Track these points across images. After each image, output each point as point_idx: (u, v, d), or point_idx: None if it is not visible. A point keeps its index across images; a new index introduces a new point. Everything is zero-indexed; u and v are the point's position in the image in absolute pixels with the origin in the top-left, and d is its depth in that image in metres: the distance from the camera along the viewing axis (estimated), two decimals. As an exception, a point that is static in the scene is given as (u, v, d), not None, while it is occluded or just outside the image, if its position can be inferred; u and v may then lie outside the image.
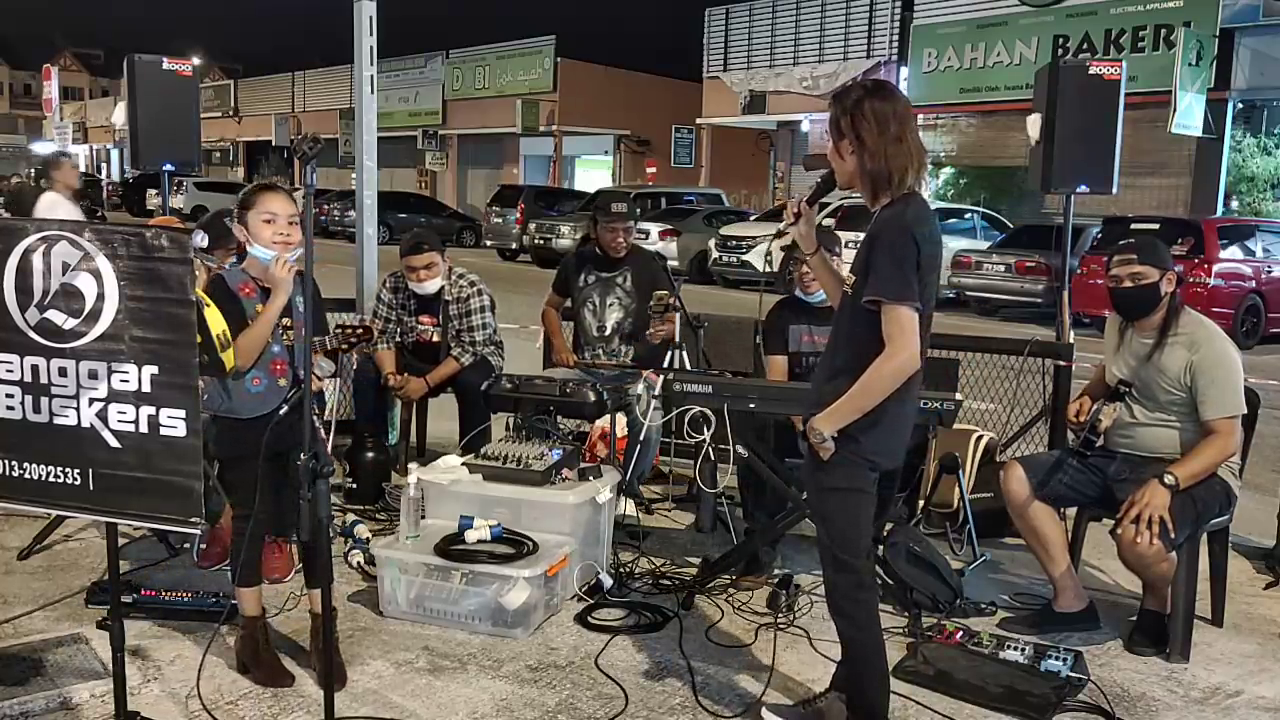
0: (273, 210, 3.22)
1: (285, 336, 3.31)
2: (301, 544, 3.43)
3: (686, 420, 4.37)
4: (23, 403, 2.52)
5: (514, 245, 23.19)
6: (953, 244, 16.08)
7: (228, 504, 4.21)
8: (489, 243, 24.35)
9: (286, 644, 3.51)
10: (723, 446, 4.21)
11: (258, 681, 3.25)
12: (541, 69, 32.57)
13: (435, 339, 5.35)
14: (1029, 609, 4.00)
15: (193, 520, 2.49)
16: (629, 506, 4.65)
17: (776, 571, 4.23)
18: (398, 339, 5.42)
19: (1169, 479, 3.49)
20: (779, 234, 3.05)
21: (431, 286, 5.26)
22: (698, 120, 28.19)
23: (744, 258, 17.40)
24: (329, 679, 2.86)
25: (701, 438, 4.30)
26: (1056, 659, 3.42)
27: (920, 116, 22.48)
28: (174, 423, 2.45)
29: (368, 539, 4.34)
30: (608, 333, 5.28)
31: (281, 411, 3.25)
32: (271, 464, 3.29)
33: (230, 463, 3.30)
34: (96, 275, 2.43)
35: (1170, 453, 3.67)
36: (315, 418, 3.32)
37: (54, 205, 7.05)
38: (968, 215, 18.25)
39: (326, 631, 3.00)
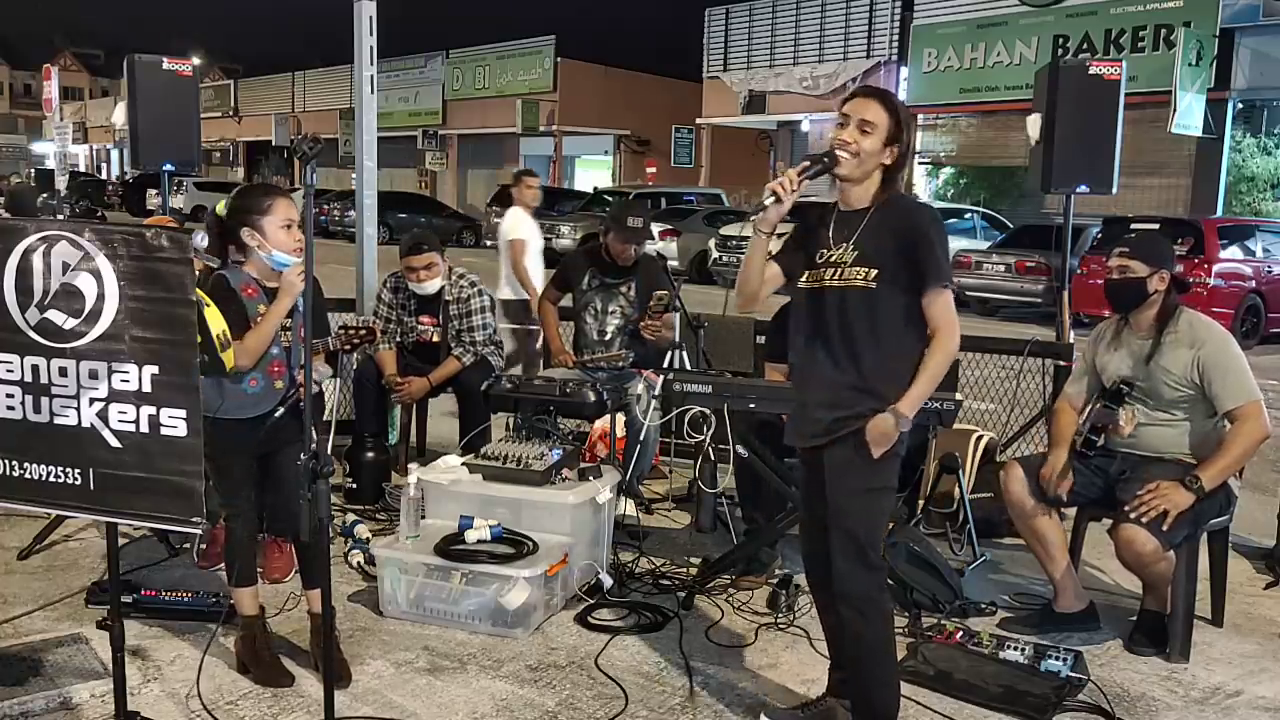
0: (290, 216, 3.23)
1: (284, 338, 3.31)
2: (298, 544, 3.43)
3: (686, 420, 4.37)
4: (23, 403, 2.51)
5: (514, 245, 23.16)
6: (953, 244, 16.05)
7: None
8: (489, 243, 24.32)
9: (286, 644, 3.51)
10: (723, 446, 4.20)
11: (257, 681, 3.25)
12: (541, 69, 32.57)
13: (435, 339, 5.35)
14: (1029, 609, 4.00)
15: (193, 520, 2.49)
16: (629, 506, 4.65)
17: (777, 571, 4.23)
18: (398, 339, 5.42)
19: (1192, 483, 3.48)
20: (758, 209, 2.78)
21: (431, 287, 5.26)
22: (698, 120, 28.19)
23: (744, 257, 17.35)
24: (330, 678, 2.85)
25: (701, 438, 4.30)
26: (1056, 659, 3.42)
27: (920, 116, 22.56)
28: (174, 422, 2.45)
29: (368, 539, 4.34)
30: (608, 337, 5.27)
31: (277, 414, 3.25)
32: (260, 463, 3.29)
33: (222, 463, 3.29)
34: (96, 275, 2.43)
35: (1173, 451, 3.67)
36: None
37: (518, 222, 6.99)
38: (968, 215, 18.23)
39: (327, 631, 2.99)
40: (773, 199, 2.75)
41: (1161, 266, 3.71)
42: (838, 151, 2.76)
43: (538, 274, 6.90)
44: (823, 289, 2.82)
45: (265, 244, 3.21)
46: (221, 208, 3.31)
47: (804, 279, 2.89)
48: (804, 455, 2.99)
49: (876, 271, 2.73)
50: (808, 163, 2.79)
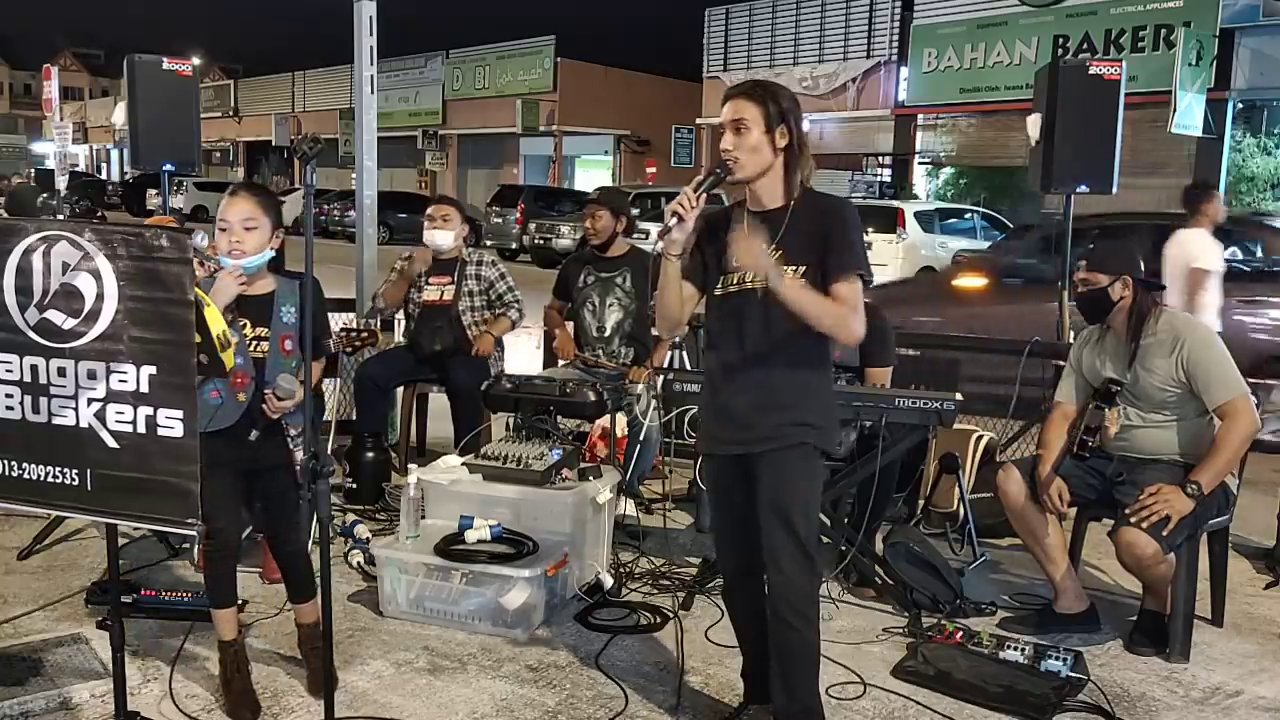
0: (225, 218, 3.05)
1: (255, 348, 3.11)
2: (282, 556, 3.29)
3: (686, 420, 4.37)
4: (22, 403, 2.51)
5: (514, 245, 23.20)
6: (953, 244, 16.08)
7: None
8: (489, 243, 24.29)
9: (284, 645, 3.51)
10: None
11: (226, 712, 3.10)
12: (541, 69, 32.56)
13: (447, 299, 5.39)
14: (1029, 609, 4.00)
15: (189, 521, 2.49)
16: (629, 506, 4.65)
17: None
18: (406, 309, 5.51)
19: (1191, 489, 3.48)
20: (665, 233, 2.66)
21: (442, 239, 5.41)
22: (698, 120, 28.17)
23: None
24: (328, 682, 2.85)
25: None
26: (1056, 659, 3.42)
27: (920, 116, 22.56)
28: (172, 423, 2.44)
29: (368, 539, 4.34)
30: (607, 333, 5.28)
31: (251, 438, 3.07)
32: (245, 481, 3.15)
33: (203, 477, 3.20)
34: (96, 275, 2.42)
35: (1167, 453, 3.67)
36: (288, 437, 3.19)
37: (1203, 247, 6.02)
38: (968, 215, 18.24)
39: (327, 632, 2.98)
40: (676, 220, 2.64)
41: (1122, 272, 3.72)
42: (726, 160, 2.71)
43: (1214, 308, 6.00)
44: (743, 291, 2.74)
45: (213, 245, 3.04)
46: None
47: (720, 285, 2.79)
48: (723, 462, 2.87)
49: (805, 267, 2.68)
50: (701, 176, 2.72)
